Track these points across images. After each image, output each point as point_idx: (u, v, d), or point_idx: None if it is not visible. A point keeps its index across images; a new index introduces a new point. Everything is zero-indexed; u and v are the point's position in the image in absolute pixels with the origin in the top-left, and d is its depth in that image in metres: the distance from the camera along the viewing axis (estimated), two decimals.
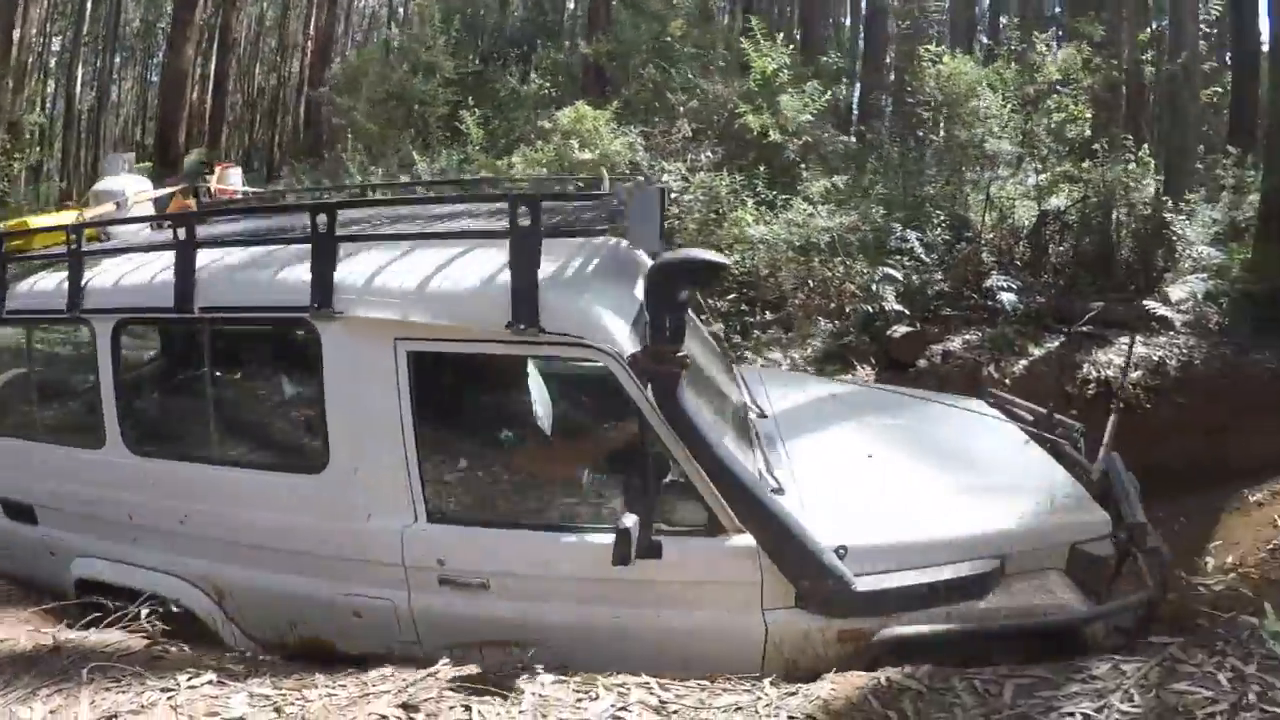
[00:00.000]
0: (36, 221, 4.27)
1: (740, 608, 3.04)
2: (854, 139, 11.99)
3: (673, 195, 8.39)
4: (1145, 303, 8.13)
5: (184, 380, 4.00)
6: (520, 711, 2.54)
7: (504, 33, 14.91)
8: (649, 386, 2.89)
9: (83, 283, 3.56)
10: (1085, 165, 9.80)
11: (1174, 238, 9.50)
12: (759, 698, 2.70)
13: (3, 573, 4.09)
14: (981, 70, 9.73)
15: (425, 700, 2.57)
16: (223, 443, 3.62)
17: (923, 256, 8.83)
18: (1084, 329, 7.97)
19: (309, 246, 3.14)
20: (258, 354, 4.02)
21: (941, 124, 9.94)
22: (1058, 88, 9.90)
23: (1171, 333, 8.45)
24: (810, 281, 8.28)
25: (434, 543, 3.12)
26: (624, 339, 2.97)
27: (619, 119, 10.05)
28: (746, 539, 2.97)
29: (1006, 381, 7.37)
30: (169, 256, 3.38)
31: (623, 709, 2.59)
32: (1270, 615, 3.06)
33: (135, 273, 3.62)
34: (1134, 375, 7.03)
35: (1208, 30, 13.40)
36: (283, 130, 30.10)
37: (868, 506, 3.27)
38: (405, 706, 2.54)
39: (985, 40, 14.84)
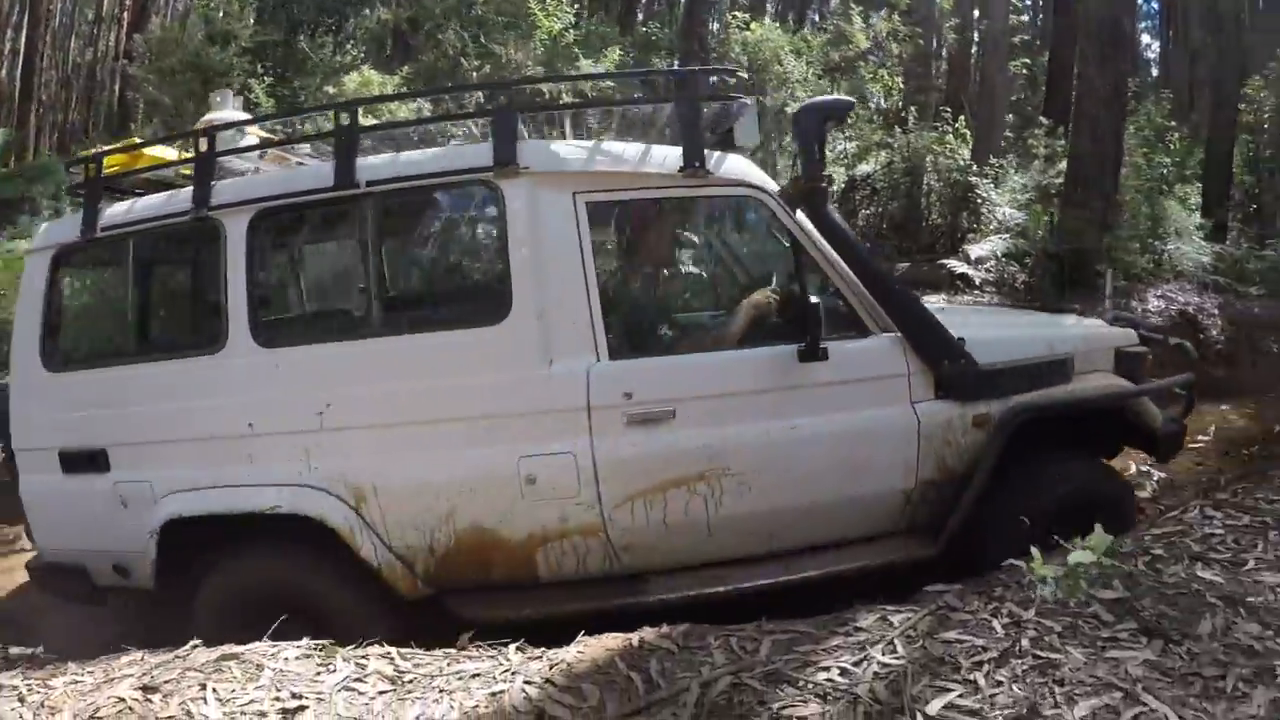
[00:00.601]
0: (154, 152, 4.03)
1: (894, 401, 3.45)
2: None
3: None
4: (946, 262, 8.44)
5: (333, 260, 4.03)
6: (256, 686, 2.59)
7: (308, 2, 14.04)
8: (800, 210, 3.39)
9: (211, 183, 3.46)
10: (897, 132, 10.03)
11: (979, 201, 9.92)
12: (500, 664, 2.71)
13: (49, 564, 3.69)
14: (787, 37, 9.76)
15: (166, 682, 2.62)
16: (382, 313, 3.55)
17: None
18: None
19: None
20: (426, 221, 4.04)
21: (750, 91, 9.93)
22: (868, 56, 10.04)
23: (976, 291, 8.80)
24: None
25: (621, 377, 3.27)
26: (771, 182, 3.52)
27: (410, 86, 9.64)
28: (893, 335, 3.44)
29: None
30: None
31: (358, 679, 2.64)
32: (1037, 557, 3.07)
33: (269, 172, 3.67)
34: None
35: (1018, 4, 14.06)
36: (97, 109, 27.97)
37: (967, 321, 3.92)
38: (145, 689, 2.58)
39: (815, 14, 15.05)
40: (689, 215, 4.12)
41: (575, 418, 3.24)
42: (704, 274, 4.37)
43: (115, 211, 3.66)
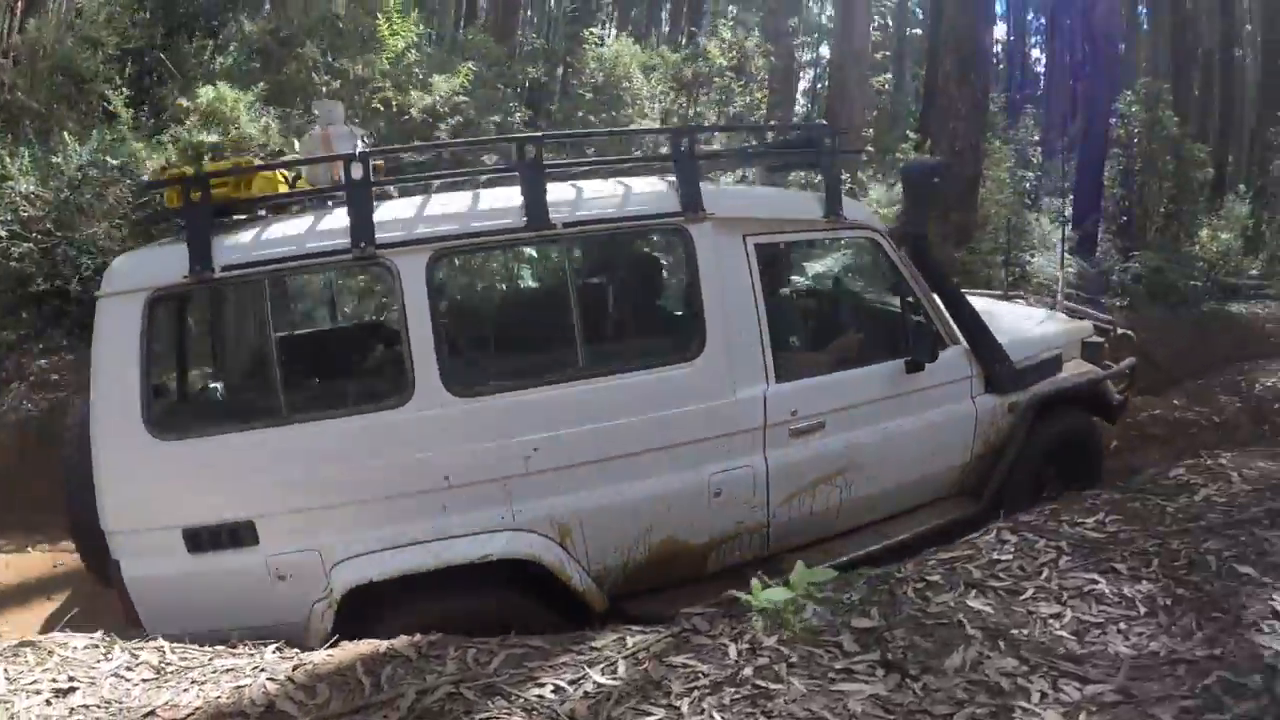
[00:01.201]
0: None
1: (962, 397, 4.43)
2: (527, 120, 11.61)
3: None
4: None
5: (513, 304, 4.03)
6: (43, 669, 2.80)
7: (195, 3, 13.34)
8: (904, 248, 4.25)
9: (372, 217, 3.23)
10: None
11: None
12: (254, 662, 2.86)
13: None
14: (642, 53, 9.62)
15: None
16: (587, 355, 3.60)
17: None
18: None
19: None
20: (617, 261, 4.17)
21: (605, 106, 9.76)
22: (726, 72, 9.95)
23: None
24: None
25: (788, 398, 3.84)
26: (882, 225, 4.27)
27: (268, 100, 9.20)
28: (961, 346, 4.39)
29: None
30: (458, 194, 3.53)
31: (129, 668, 2.84)
32: (756, 586, 3.02)
33: (438, 205, 3.49)
34: None
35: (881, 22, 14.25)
36: None
37: (991, 323, 4.58)
38: None
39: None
40: (827, 253, 4.84)
41: (754, 436, 3.79)
42: (835, 300, 5.11)
43: (234, 245, 3.24)
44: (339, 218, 3.30)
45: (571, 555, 3.46)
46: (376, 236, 3.21)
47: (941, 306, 4.37)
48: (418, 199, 3.55)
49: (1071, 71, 24.10)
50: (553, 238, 3.48)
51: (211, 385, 3.76)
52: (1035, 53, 42.50)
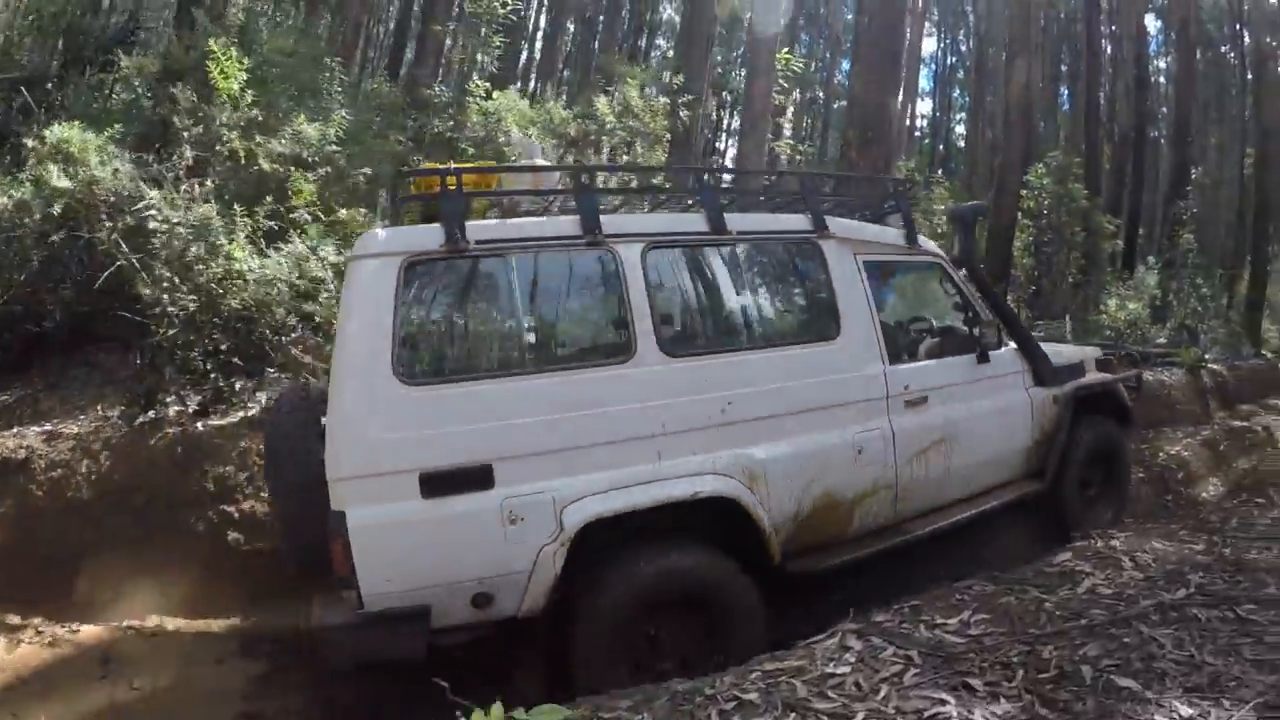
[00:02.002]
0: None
1: (1018, 388, 5.35)
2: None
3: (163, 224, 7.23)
4: None
5: (706, 288, 4.49)
6: None
7: (91, 36, 12.55)
8: (962, 269, 5.45)
9: (599, 214, 3.97)
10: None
11: None
12: None
13: (377, 614, 3.27)
14: (530, 109, 9.15)
15: None
16: (756, 331, 4.52)
17: None
18: None
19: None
20: (770, 263, 4.75)
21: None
22: (618, 130, 9.53)
23: None
24: (300, 326, 7.12)
25: (900, 375, 4.67)
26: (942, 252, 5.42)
27: (126, 142, 8.46)
28: (1012, 347, 5.44)
29: None
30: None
31: None
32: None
33: (647, 214, 4.71)
34: None
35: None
36: None
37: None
38: None
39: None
40: (913, 271, 5.54)
41: (880, 404, 4.52)
42: (912, 306, 5.71)
43: (483, 227, 3.83)
44: (565, 219, 4.05)
45: (759, 500, 3.93)
46: (604, 228, 3.92)
47: (993, 314, 5.38)
48: (623, 214, 4.68)
49: (991, 146, 24.52)
50: (730, 241, 4.37)
51: (458, 340, 4.11)
52: (960, 128, 44.00)
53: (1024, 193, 15.65)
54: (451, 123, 9.58)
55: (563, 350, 4.07)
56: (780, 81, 13.11)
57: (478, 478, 3.39)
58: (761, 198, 5.53)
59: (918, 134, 54.40)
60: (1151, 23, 36.82)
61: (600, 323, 4.15)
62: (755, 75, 12.41)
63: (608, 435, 3.65)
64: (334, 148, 8.74)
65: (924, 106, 49.07)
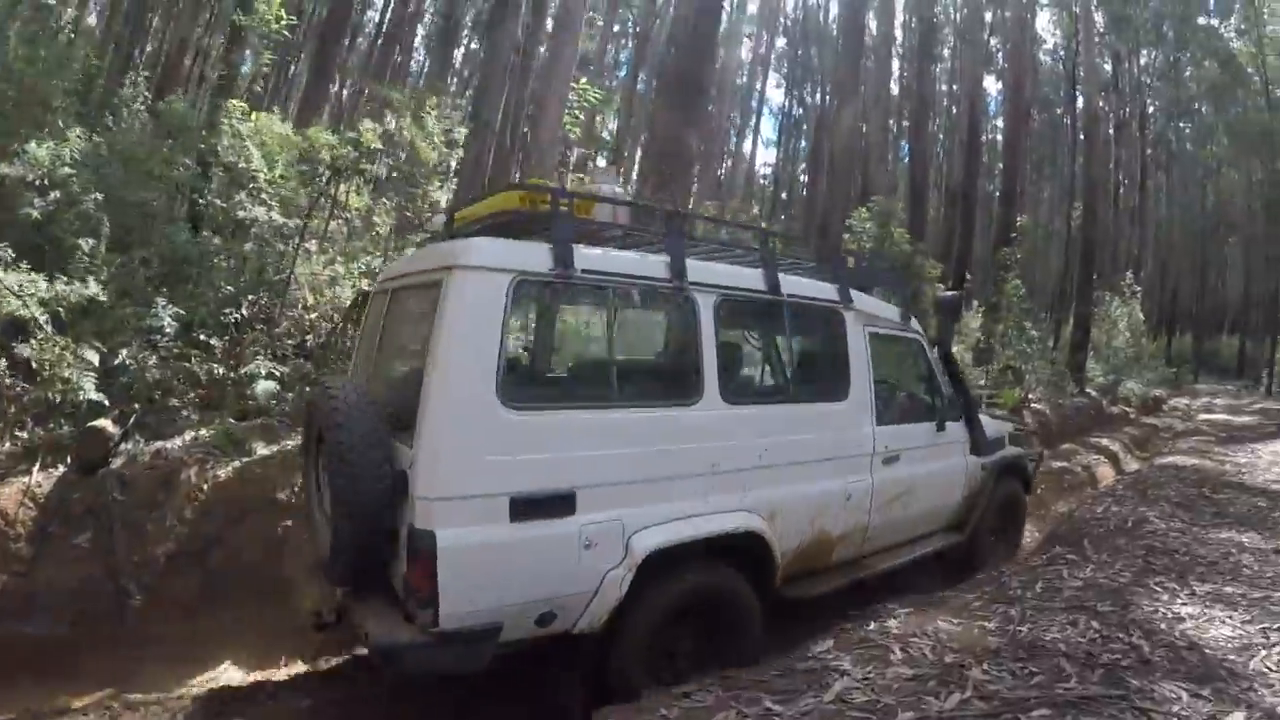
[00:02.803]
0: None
1: (960, 455, 6.26)
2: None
3: None
4: None
5: (758, 343, 5.51)
6: None
7: None
8: (936, 350, 6.22)
9: (684, 262, 4.16)
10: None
11: None
12: None
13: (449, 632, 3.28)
14: (297, 137, 8.22)
15: None
16: (790, 386, 5.22)
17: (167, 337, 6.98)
18: None
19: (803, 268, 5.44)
20: (805, 324, 5.15)
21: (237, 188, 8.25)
22: (385, 159, 8.70)
23: None
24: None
25: (883, 436, 5.31)
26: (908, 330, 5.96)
27: None
28: (962, 420, 6.31)
29: (205, 486, 6.16)
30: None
31: None
32: None
33: (719, 265, 4.58)
34: None
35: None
36: None
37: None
38: None
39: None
40: (901, 345, 5.91)
41: (867, 459, 5.19)
42: (889, 374, 5.95)
43: (588, 256, 3.82)
44: (655, 260, 4.12)
45: (775, 534, 4.38)
46: (688, 275, 4.11)
47: (954, 390, 6.30)
48: (694, 261, 4.38)
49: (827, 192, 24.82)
50: (781, 302, 4.71)
51: (552, 366, 4.35)
52: (804, 176, 45.33)
53: (847, 236, 15.55)
54: (203, 145, 8.55)
55: (643, 387, 4.32)
56: (573, 112, 12.61)
57: (562, 504, 3.53)
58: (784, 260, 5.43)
59: (763, 180, 56.11)
60: (992, 84, 38.94)
61: (676, 364, 4.50)
62: (544, 108, 11.87)
63: (671, 470, 3.92)
64: (67, 169, 7.59)
65: (770, 155, 50.84)
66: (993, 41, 33.46)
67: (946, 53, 41.01)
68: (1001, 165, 25.79)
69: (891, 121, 34.15)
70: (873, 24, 23.10)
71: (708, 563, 4.11)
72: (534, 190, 4.09)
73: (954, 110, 37.05)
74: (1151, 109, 46.11)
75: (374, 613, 3.51)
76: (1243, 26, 40.49)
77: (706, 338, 4.13)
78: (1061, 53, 41.99)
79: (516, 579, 3.42)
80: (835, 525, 4.93)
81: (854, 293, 5.25)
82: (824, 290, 5.10)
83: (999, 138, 36.33)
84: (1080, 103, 28.33)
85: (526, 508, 3.41)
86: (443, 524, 3.23)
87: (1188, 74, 44.46)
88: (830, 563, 5.04)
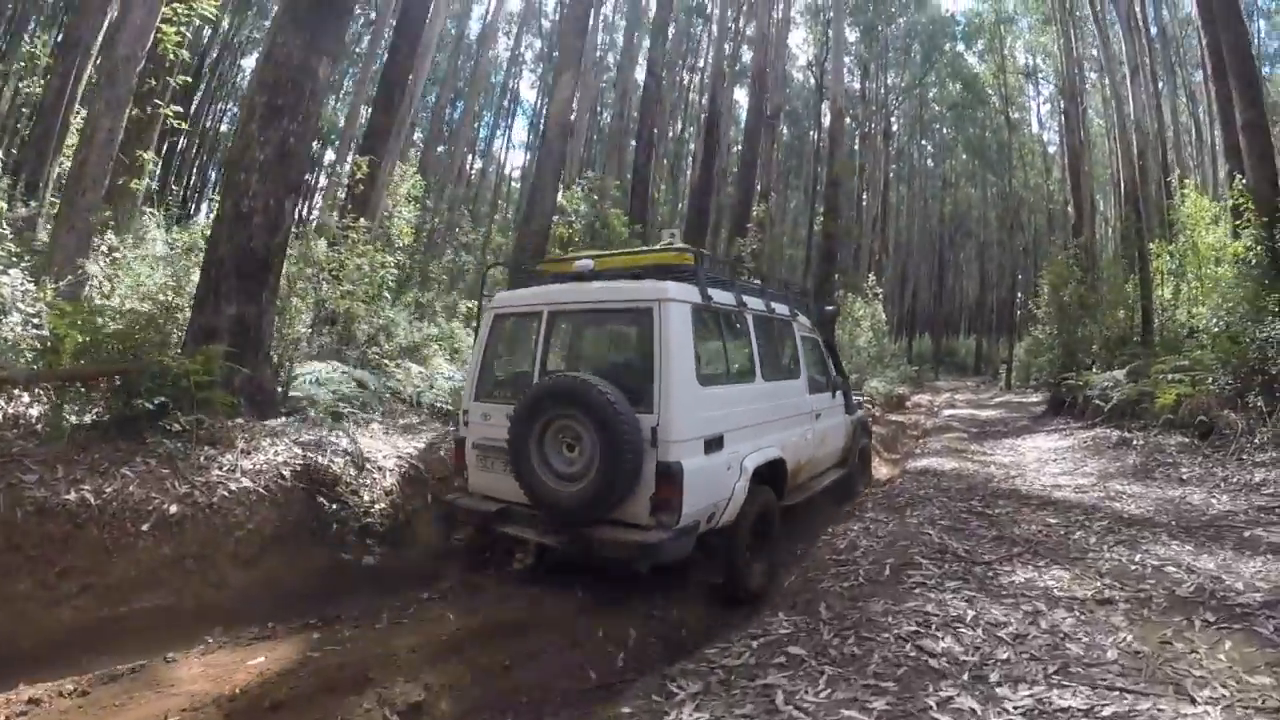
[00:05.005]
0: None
1: (842, 414, 8.15)
2: None
3: None
4: None
5: (771, 342, 6.63)
6: None
7: None
8: (828, 341, 8.62)
9: (741, 297, 6.12)
10: None
11: None
12: None
13: (704, 498, 4.88)
14: None
15: None
16: (781, 370, 6.66)
17: None
18: None
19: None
20: (781, 331, 6.91)
21: None
22: None
23: None
24: None
25: (815, 402, 7.16)
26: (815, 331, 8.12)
27: None
28: (841, 392, 8.25)
29: None
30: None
31: None
32: None
33: (748, 296, 6.35)
34: None
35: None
36: None
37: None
38: None
39: None
40: (811, 342, 7.77)
41: (810, 416, 6.95)
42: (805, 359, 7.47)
43: (711, 293, 5.44)
44: (727, 294, 5.89)
45: (789, 463, 6.08)
46: (742, 302, 6.04)
47: (835, 366, 8.46)
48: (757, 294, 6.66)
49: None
50: (781, 317, 6.83)
51: (709, 360, 5.53)
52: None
53: (557, 218, 13.46)
54: None
55: (734, 370, 5.80)
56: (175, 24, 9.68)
57: (720, 442, 5.11)
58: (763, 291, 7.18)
59: (515, 183, 53.78)
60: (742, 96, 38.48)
61: (743, 357, 6.01)
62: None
63: (750, 421, 5.58)
64: None
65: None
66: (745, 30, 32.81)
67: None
68: (740, 149, 24.64)
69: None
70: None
71: (759, 486, 5.47)
72: (683, 252, 5.63)
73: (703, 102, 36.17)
74: (896, 126, 47.97)
75: (611, 535, 4.71)
76: (986, 56, 42.74)
77: (754, 339, 6.04)
78: (813, 68, 42.60)
79: (706, 490, 4.90)
80: (802, 457, 6.60)
81: (801, 318, 7.46)
82: (783, 308, 7.01)
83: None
84: (826, 105, 27.99)
85: (710, 445, 5.00)
86: (681, 456, 4.72)
87: (932, 95, 46.58)
88: (797, 484, 6.56)
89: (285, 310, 8.53)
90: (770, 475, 5.72)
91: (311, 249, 9.89)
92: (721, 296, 5.61)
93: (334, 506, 5.88)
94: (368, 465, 6.51)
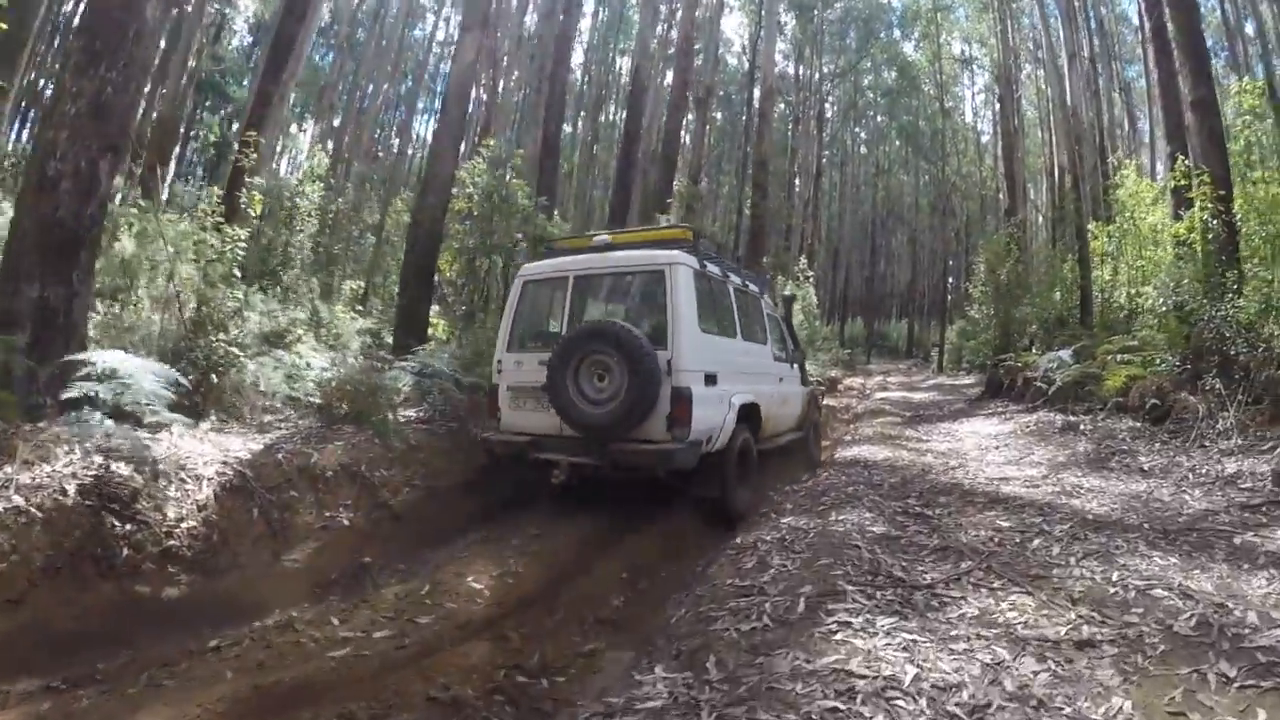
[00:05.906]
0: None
1: (798, 382, 9.40)
2: None
3: None
4: None
5: (745, 310, 7.58)
6: None
7: None
8: (786, 320, 10.26)
9: (728, 270, 7.49)
10: None
11: None
12: None
13: (706, 421, 6.03)
14: None
15: None
16: (754, 333, 7.77)
17: None
18: None
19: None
20: (753, 304, 8.03)
21: None
22: None
23: None
24: None
25: (781, 367, 8.49)
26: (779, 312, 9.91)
27: None
28: (798, 365, 9.58)
29: None
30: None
31: None
32: None
33: (728, 269, 7.62)
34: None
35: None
36: None
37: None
38: None
39: None
40: (773, 319, 8.89)
41: (775, 377, 8.09)
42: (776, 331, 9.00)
43: (705, 261, 6.80)
44: (715, 266, 7.13)
45: (764, 411, 7.20)
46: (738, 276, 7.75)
47: (794, 342, 9.60)
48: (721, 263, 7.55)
49: None
50: (752, 291, 8.00)
51: (707, 314, 6.51)
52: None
53: (455, 191, 12.11)
54: None
55: (720, 326, 6.86)
56: None
57: (715, 379, 6.26)
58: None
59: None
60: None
61: (728, 318, 7.08)
62: None
63: (734, 370, 6.71)
64: None
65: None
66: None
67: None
68: (664, 122, 23.42)
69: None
70: None
71: (740, 425, 6.54)
72: (685, 229, 6.98)
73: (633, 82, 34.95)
74: (830, 112, 47.30)
75: (634, 448, 5.81)
76: (922, 44, 42.29)
77: (734, 305, 7.21)
78: (748, 52, 41.57)
79: (707, 415, 6.02)
80: (771, 410, 7.62)
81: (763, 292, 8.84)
82: (755, 287, 8.23)
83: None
84: (758, 88, 26.94)
85: (709, 379, 6.17)
86: (689, 384, 5.89)
87: (867, 81, 46.03)
88: (765, 435, 7.51)
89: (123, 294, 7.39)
90: (748, 417, 6.87)
91: (158, 223, 8.66)
92: (712, 268, 6.92)
93: (128, 527, 4.78)
94: (183, 474, 5.39)
